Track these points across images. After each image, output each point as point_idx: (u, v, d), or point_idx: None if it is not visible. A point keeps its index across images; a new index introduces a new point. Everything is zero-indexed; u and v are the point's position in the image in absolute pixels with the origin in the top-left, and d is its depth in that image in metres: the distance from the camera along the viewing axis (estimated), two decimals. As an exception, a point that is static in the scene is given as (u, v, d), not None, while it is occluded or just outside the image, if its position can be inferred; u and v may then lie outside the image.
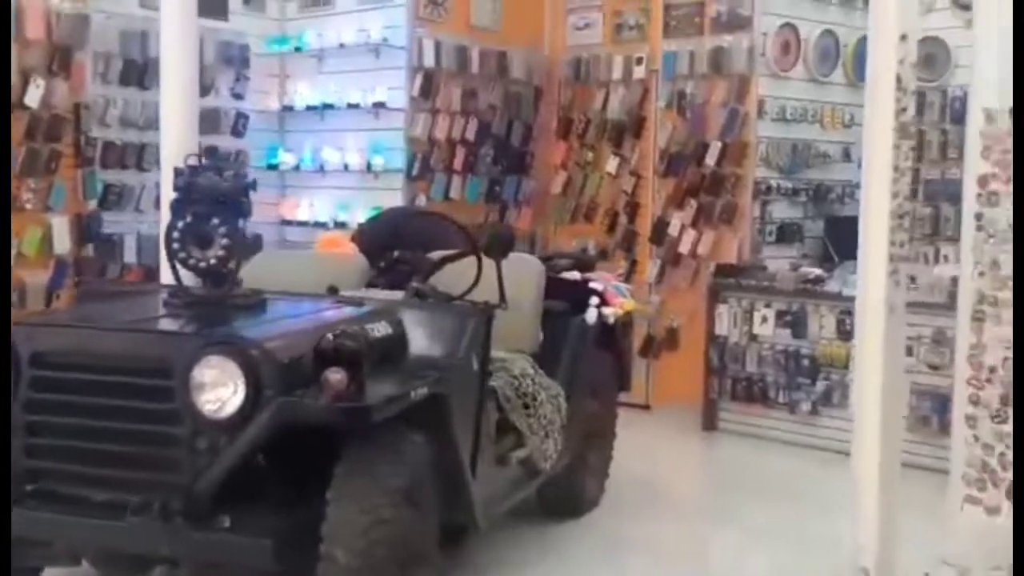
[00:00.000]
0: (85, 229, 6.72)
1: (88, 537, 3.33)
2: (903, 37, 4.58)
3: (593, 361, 5.09)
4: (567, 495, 4.98)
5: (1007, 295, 4.03)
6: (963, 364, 4.12)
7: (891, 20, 4.55)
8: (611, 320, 5.13)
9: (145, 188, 7.03)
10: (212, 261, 3.62)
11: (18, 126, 6.42)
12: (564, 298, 5.01)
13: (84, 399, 3.28)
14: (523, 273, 4.59)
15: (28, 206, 6.48)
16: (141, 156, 7.07)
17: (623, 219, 8.06)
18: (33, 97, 6.45)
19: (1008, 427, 3.93)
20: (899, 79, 4.53)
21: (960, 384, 4.10)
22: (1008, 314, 4.01)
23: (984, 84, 4.34)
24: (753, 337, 6.89)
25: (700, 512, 5.57)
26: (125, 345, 3.34)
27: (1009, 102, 4.27)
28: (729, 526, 5.19)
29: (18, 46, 6.38)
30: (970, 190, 4.11)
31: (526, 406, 4.31)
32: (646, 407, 7.61)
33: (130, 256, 7.04)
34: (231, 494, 3.20)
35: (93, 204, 6.80)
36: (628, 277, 7.55)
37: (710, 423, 7.08)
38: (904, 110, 4.44)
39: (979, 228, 4.14)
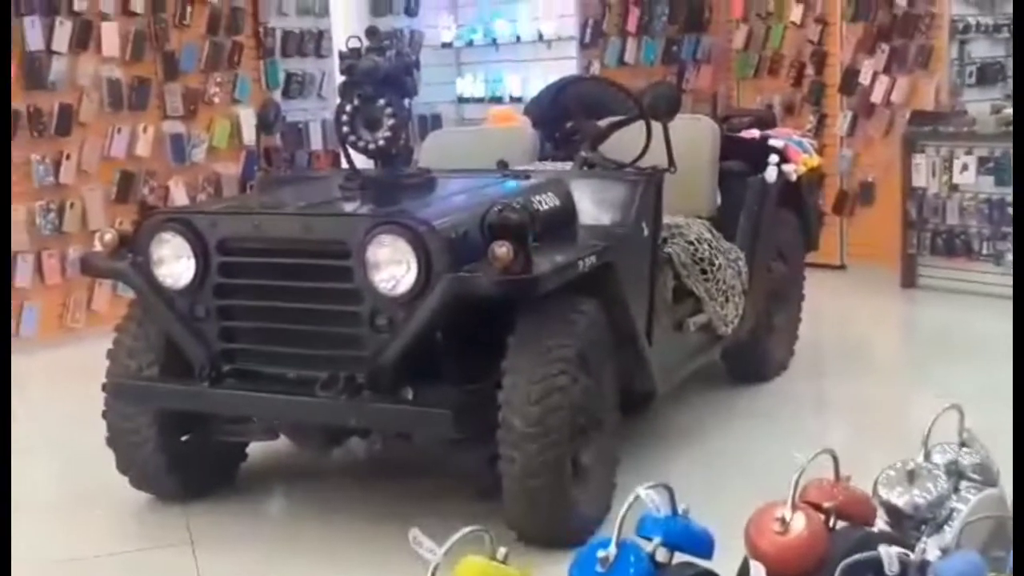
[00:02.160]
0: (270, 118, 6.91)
1: (282, 412, 3.50)
2: None
3: (776, 221, 4.93)
4: (753, 359, 4.90)
5: None
6: None
7: None
8: (793, 177, 4.94)
9: (325, 75, 7.17)
10: (380, 142, 3.66)
11: (200, 19, 6.64)
12: (742, 158, 4.84)
13: (269, 282, 3.42)
14: (695, 135, 4.46)
15: (215, 99, 6.74)
16: (319, 43, 7.20)
17: (810, 70, 7.69)
18: (210, -10, 6.64)
19: None
20: None
21: None
22: None
23: None
24: (954, 187, 6.53)
25: (898, 374, 5.39)
26: (302, 228, 3.44)
27: None
28: (930, 388, 4.97)
29: (195, -61, 6.56)
30: None
31: (703, 271, 4.23)
32: (841, 266, 7.38)
33: (315, 142, 7.25)
34: (412, 368, 3.30)
35: (277, 93, 6.98)
36: (816, 131, 7.27)
37: (909, 280, 6.80)
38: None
39: None
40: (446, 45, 7.97)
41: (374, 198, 3.65)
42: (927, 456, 1.49)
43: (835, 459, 1.56)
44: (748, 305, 4.52)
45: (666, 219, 4.06)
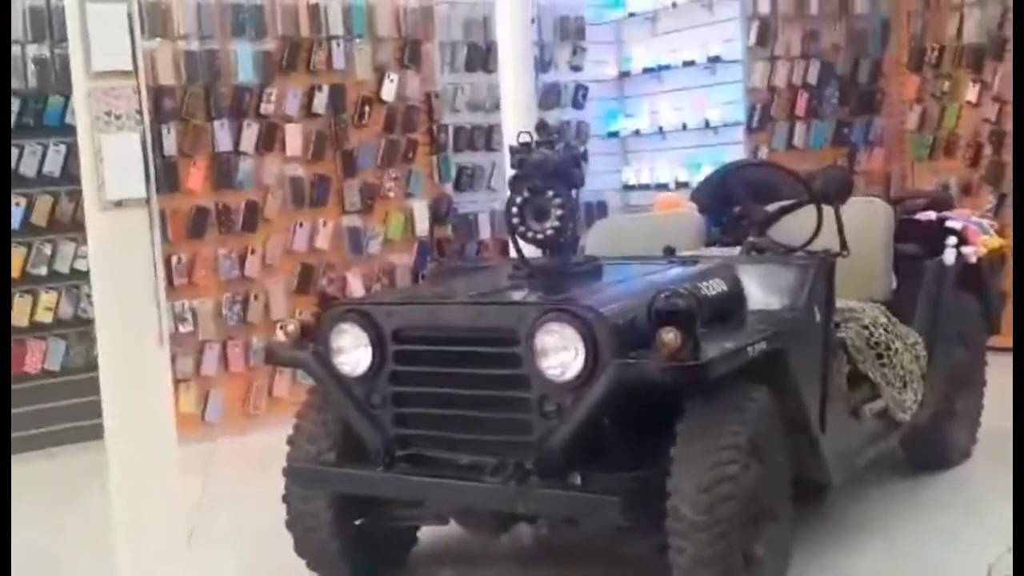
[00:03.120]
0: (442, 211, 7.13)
1: (452, 497, 3.55)
2: None
3: (955, 304, 4.78)
4: (933, 447, 4.72)
5: None
6: None
7: None
8: (972, 259, 4.78)
9: (496, 167, 7.36)
10: (549, 232, 3.72)
11: (377, 119, 6.96)
12: (918, 240, 4.73)
13: (441, 369, 3.50)
14: (868, 217, 4.39)
15: (391, 194, 7.01)
16: (489, 137, 7.42)
17: (987, 150, 7.47)
18: (389, 91, 6.96)
19: None
20: None
21: None
22: None
23: None
24: None
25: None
26: (473, 316, 3.54)
27: None
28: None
29: (371, 43, 6.89)
30: None
31: (879, 356, 4.12)
32: (1026, 351, 7.03)
33: (484, 232, 7.43)
34: (580, 454, 3.31)
35: (449, 187, 7.21)
36: (996, 212, 7.02)
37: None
38: None
39: None
40: (612, 135, 8.08)
41: (542, 286, 3.71)
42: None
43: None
44: (927, 391, 4.37)
45: (839, 303, 3.98)
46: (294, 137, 6.66)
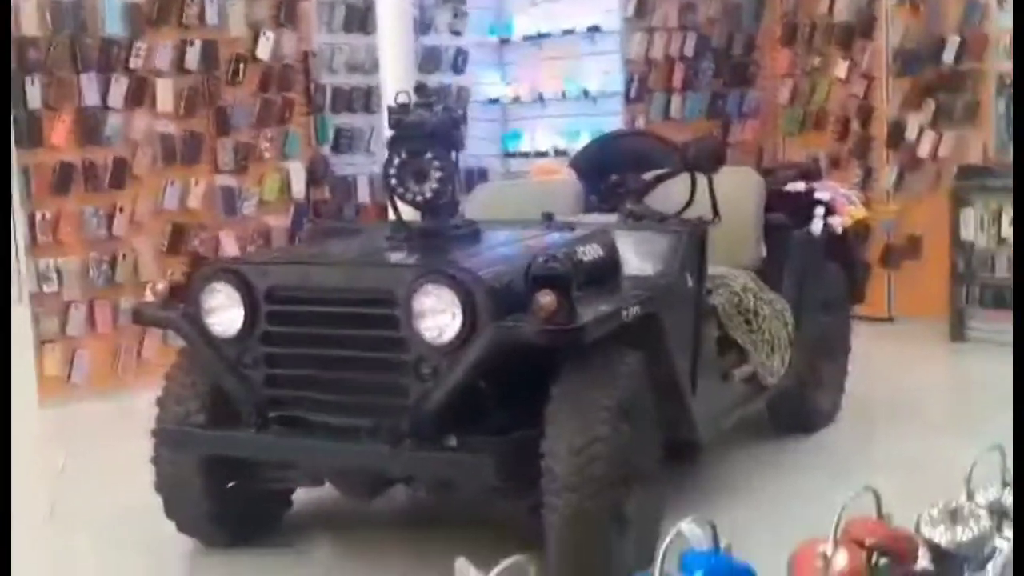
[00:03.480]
0: (319, 172, 7.03)
1: (327, 459, 3.54)
2: None
3: (822, 273, 4.93)
4: (798, 411, 4.87)
5: None
6: None
7: None
8: (839, 230, 4.93)
9: (374, 130, 7.27)
10: (428, 194, 3.70)
11: (252, 78, 6.80)
12: (788, 210, 4.85)
13: (316, 330, 3.46)
14: (740, 187, 4.49)
15: (266, 155, 6.87)
16: (368, 99, 7.31)
17: (855, 125, 7.69)
18: (264, 49, 6.81)
19: None
20: None
21: None
22: None
23: None
24: (1003, 240, 6.48)
25: (944, 425, 5.31)
26: (350, 277, 3.51)
27: None
28: (976, 439, 4.90)
29: (246, 0, 6.72)
30: None
31: (748, 322, 4.23)
32: (889, 319, 7.31)
33: (363, 195, 7.35)
34: (456, 416, 3.32)
35: (326, 148, 7.10)
36: (863, 185, 7.25)
37: (958, 333, 6.73)
38: None
39: None
40: (492, 101, 8.07)
41: (420, 249, 3.69)
42: (970, 496, 1.49)
43: (877, 497, 1.57)
44: (794, 356, 4.51)
45: (711, 270, 4.07)
46: (165, 93, 6.46)
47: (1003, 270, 6.51)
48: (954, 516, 1.43)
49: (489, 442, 3.29)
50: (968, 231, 6.63)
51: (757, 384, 4.35)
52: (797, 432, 4.91)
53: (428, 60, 7.60)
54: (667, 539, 1.71)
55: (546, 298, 3.12)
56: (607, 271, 3.64)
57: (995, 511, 1.55)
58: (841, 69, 7.73)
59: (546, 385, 3.28)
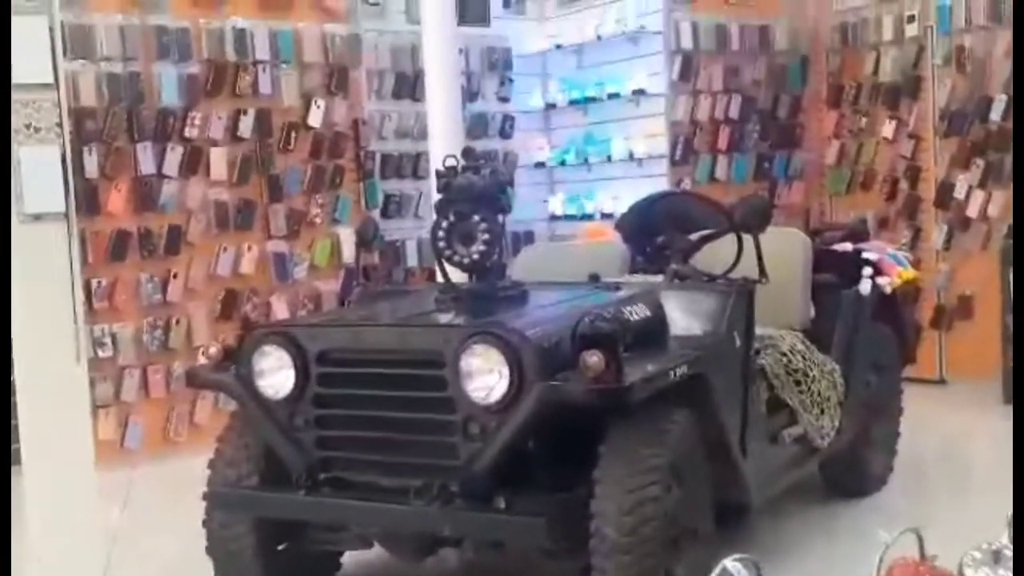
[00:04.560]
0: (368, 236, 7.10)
1: (376, 520, 3.54)
2: None
3: (872, 334, 4.90)
4: (851, 473, 4.82)
5: None
6: None
7: None
8: (887, 290, 4.91)
9: (423, 195, 7.37)
10: (475, 256, 3.75)
11: (303, 145, 6.94)
12: (836, 270, 4.84)
13: (366, 391, 3.49)
14: (787, 247, 4.50)
15: (317, 220, 6.98)
16: (416, 165, 7.43)
17: (903, 185, 7.67)
18: (315, 117, 6.95)
19: None
20: None
21: None
22: None
23: None
24: (1055, 300, 6.39)
25: (995, 487, 5.21)
26: (399, 339, 3.54)
27: None
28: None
29: (298, 70, 6.88)
30: None
31: (797, 382, 4.21)
32: (941, 381, 7.22)
33: (412, 260, 7.43)
34: (505, 476, 3.32)
35: (376, 213, 7.21)
36: (912, 246, 7.22)
37: (1011, 395, 6.61)
38: None
39: None
40: (539, 165, 8.16)
41: (468, 310, 3.72)
42: (1011, 536, 1.49)
43: (920, 539, 1.57)
44: (845, 418, 4.47)
45: (759, 331, 4.06)
46: (219, 161, 6.61)
47: (1057, 330, 6.41)
48: (996, 557, 1.44)
49: (539, 502, 3.28)
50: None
51: (808, 446, 4.31)
52: (849, 495, 4.85)
53: (476, 126, 7.72)
54: (714, 573, 1.72)
55: (593, 358, 3.14)
56: (654, 331, 3.65)
57: (1037, 553, 1.55)
58: (888, 129, 7.74)
59: (595, 445, 3.28)
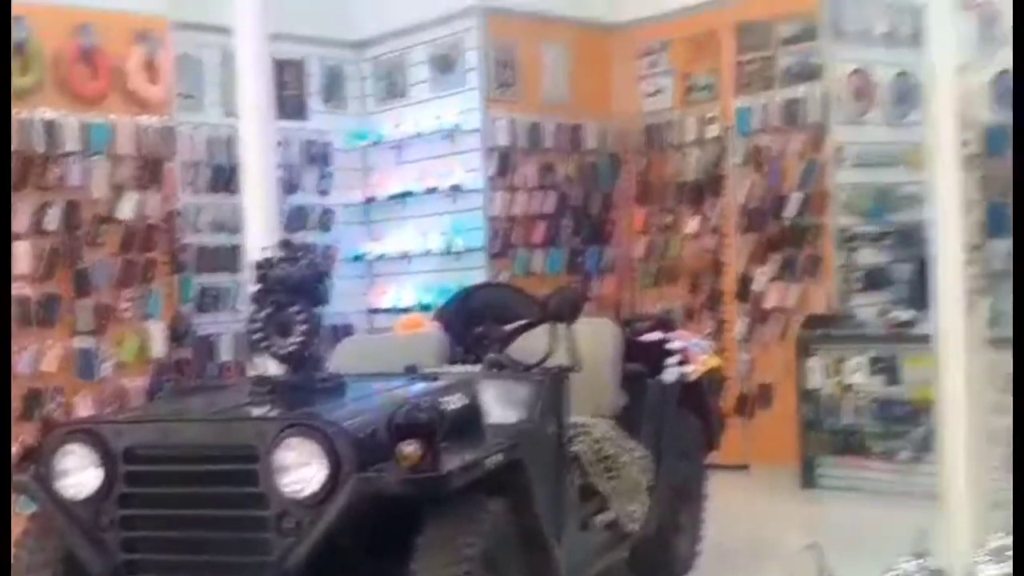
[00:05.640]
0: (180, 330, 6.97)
1: (188, 623, 3.42)
2: (962, 69, 4.59)
3: (678, 421, 5.07)
4: (658, 558, 4.93)
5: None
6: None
7: (947, 53, 4.57)
8: (692, 378, 5.11)
9: (240, 288, 7.26)
10: (292, 347, 3.72)
11: (113, 239, 6.77)
12: (644, 360, 5.01)
13: (174, 489, 3.39)
14: (598, 336, 4.64)
15: (126, 315, 6.78)
16: (234, 258, 7.33)
17: (707, 278, 8.05)
18: (126, 209, 6.79)
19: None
20: (960, 112, 4.52)
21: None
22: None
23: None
24: (847, 388, 6.78)
25: (798, 572, 5.43)
26: (209, 433, 3.47)
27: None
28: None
29: (109, 162, 6.74)
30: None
31: (608, 469, 4.32)
32: (744, 467, 7.49)
33: (227, 354, 7.29)
34: (321, 572, 3.28)
35: (190, 307, 7.06)
36: (715, 336, 7.54)
37: (808, 480, 6.94)
38: (967, 143, 4.43)
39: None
40: (358, 258, 8.18)
41: (283, 402, 3.68)
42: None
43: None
44: (654, 503, 4.59)
45: (572, 419, 4.16)
46: (23, 255, 6.37)
47: (849, 417, 6.78)
48: None
49: (354, 598, 3.25)
50: (814, 379, 6.91)
51: (619, 531, 4.41)
52: (658, 580, 4.97)
53: (294, 219, 7.71)
54: None
55: (410, 447, 3.15)
56: (470, 420, 3.69)
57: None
58: (692, 225, 8.12)
59: (413, 537, 3.28)
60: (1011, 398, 5.80)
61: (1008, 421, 5.75)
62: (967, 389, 4.12)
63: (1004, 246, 6.67)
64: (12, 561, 3.64)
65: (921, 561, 1.81)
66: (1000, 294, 6.31)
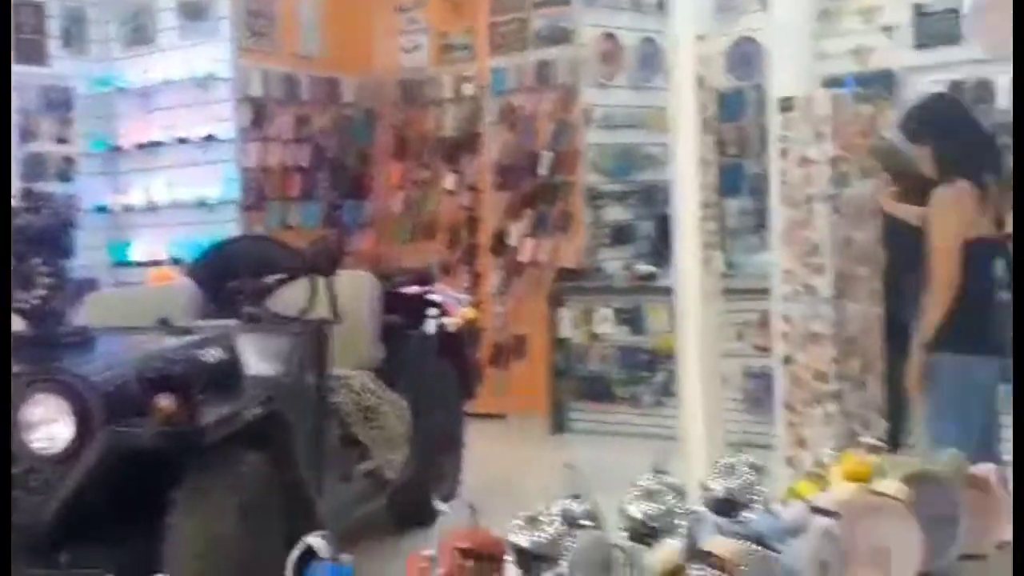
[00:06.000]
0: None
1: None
2: (701, 38, 4.88)
3: (437, 371, 5.19)
4: (419, 503, 5.04)
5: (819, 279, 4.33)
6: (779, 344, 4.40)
7: (688, 22, 4.85)
8: (452, 329, 5.24)
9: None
10: (35, 301, 3.57)
11: None
12: (404, 312, 5.09)
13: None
14: (357, 289, 4.67)
15: None
16: (-36, 207, 6.87)
17: (463, 234, 8.20)
18: None
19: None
20: (700, 78, 4.81)
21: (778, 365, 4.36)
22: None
23: (779, 75, 4.66)
24: (595, 336, 7.10)
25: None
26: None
27: (804, 90, 4.59)
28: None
29: None
30: (775, 185, 4.41)
31: (368, 419, 4.38)
32: (501, 416, 7.72)
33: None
34: (72, 531, 3.19)
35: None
36: (472, 289, 7.71)
37: (559, 425, 7.24)
38: (705, 108, 4.73)
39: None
40: (102, 209, 7.83)
41: (27, 358, 3.53)
42: (547, 508, 1.92)
43: (473, 510, 1.87)
44: (413, 451, 4.69)
45: (333, 371, 4.19)
46: None
47: (596, 364, 7.12)
48: (533, 522, 1.82)
49: (107, 555, 3.18)
50: (565, 329, 7.21)
51: (379, 479, 4.48)
52: (419, 524, 5.07)
53: (31, 168, 7.28)
54: (296, 551, 1.83)
55: (164, 400, 3.11)
56: (229, 373, 3.66)
57: (567, 518, 1.96)
58: (449, 182, 8.24)
59: (170, 492, 3.23)
60: (742, 344, 6.29)
61: (738, 366, 6.24)
62: (702, 337, 4.42)
63: (736, 204, 7.23)
64: None
65: (661, 476, 2.03)
66: (733, 249, 6.81)
